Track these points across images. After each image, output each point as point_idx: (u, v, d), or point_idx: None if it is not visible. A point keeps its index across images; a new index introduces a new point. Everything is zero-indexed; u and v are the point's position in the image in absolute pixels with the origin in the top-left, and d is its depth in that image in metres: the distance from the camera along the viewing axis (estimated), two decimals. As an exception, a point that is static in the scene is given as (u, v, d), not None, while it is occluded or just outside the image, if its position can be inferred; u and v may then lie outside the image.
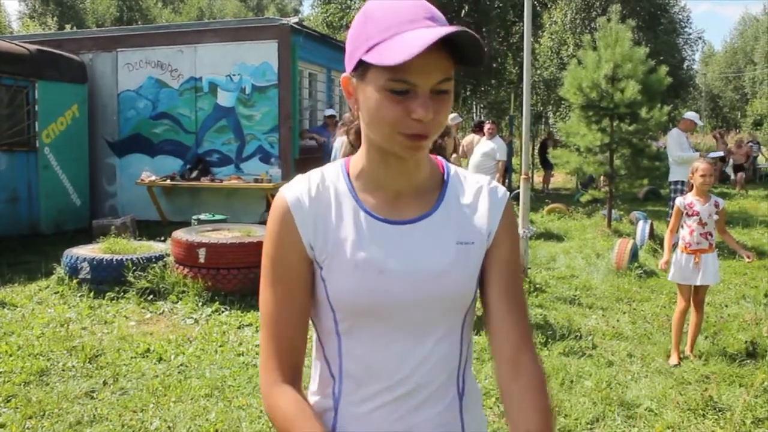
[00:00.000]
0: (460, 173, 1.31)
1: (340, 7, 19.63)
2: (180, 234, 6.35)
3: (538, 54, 22.49)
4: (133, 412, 3.75)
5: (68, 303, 6.02)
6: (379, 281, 1.17)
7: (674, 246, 4.73)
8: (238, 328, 5.37)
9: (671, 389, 4.10)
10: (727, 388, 4.10)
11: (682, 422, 3.64)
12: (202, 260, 6.04)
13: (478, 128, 10.90)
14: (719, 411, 3.77)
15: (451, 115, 11.30)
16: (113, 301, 6.02)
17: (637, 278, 6.94)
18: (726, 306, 6.05)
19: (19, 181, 9.41)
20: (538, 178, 17.92)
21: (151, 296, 6.06)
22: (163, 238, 7.46)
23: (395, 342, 1.19)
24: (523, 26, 7.65)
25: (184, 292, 6.01)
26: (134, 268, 6.20)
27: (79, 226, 10.10)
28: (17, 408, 3.79)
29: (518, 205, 6.54)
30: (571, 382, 4.22)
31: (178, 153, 10.59)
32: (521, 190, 6.65)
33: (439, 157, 1.34)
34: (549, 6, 23.26)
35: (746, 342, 4.79)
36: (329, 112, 10.68)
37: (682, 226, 4.70)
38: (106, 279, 6.21)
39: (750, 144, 19.36)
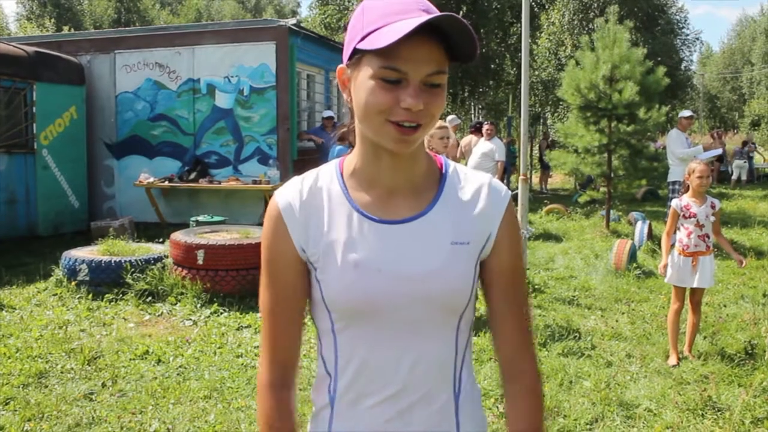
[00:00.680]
0: (459, 170, 1.29)
1: (338, 8, 19.65)
2: (178, 235, 6.35)
3: (536, 55, 22.52)
4: (132, 414, 3.75)
5: (67, 305, 6.01)
6: (371, 282, 1.18)
7: (671, 247, 4.72)
8: (237, 329, 5.36)
9: (670, 389, 4.10)
10: (726, 388, 4.10)
11: (681, 422, 3.64)
12: (200, 262, 6.04)
13: (476, 129, 10.90)
14: (718, 411, 3.77)
15: (450, 117, 11.32)
16: (112, 303, 6.01)
17: (636, 279, 6.94)
18: (725, 306, 6.06)
19: (17, 183, 9.40)
20: (536, 178, 17.95)
21: (150, 298, 6.06)
22: (161, 240, 7.45)
23: (389, 342, 1.20)
24: (520, 27, 7.65)
25: (182, 293, 6.01)
26: (133, 269, 6.19)
27: (77, 228, 10.10)
28: (16, 410, 3.78)
29: (517, 205, 6.54)
30: (570, 382, 4.22)
31: (177, 155, 10.59)
32: (520, 191, 6.65)
33: (439, 155, 1.33)
34: (547, 7, 23.31)
35: (745, 342, 4.80)
36: (327, 113, 10.67)
37: (679, 229, 4.68)
38: (105, 281, 6.21)
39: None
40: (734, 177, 18.80)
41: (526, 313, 1.30)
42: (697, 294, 4.71)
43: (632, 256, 7.38)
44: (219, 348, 4.90)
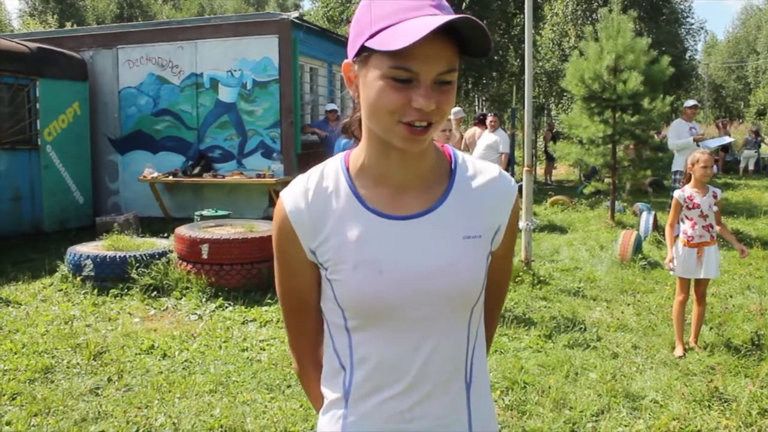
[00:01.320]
0: (468, 162, 1.28)
1: (340, 1, 19.56)
2: (183, 230, 6.35)
3: (539, 46, 22.43)
4: (138, 409, 3.76)
5: (72, 300, 6.03)
6: (383, 281, 1.17)
7: (675, 239, 4.68)
8: (242, 323, 5.37)
9: (676, 381, 4.09)
10: (733, 379, 4.09)
11: (688, 413, 3.63)
12: (205, 256, 6.05)
13: (480, 121, 10.87)
14: (725, 402, 3.76)
15: (455, 109, 11.27)
16: (117, 298, 6.03)
17: (641, 270, 6.92)
18: (731, 296, 6.03)
19: (22, 180, 9.41)
20: (540, 170, 17.90)
21: (155, 293, 6.07)
22: (166, 235, 7.47)
23: (404, 337, 1.20)
24: (524, 18, 7.61)
25: (187, 288, 6.01)
26: (137, 264, 6.20)
27: (82, 223, 10.11)
28: (22, 405, 3.80)
29: (521, 196, 6.53)
30: (576, 374, 4.21)
31: (180, 149, 10.58)
32: (524, 182, 6.64)
33: (447, 145, 1.31)
34: (550, -3, 23.18)
35: (751, 333, 4.78)
36: (331, 106, 10.64)
37: (683, 220, 4.64)
38: (110, 276, 6.22)
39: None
40: (742, 166, 18.70)
41: (502, 300, 1.44)
42: (701, 285, 4.68)
43: (637, 247, 7.35)
44: (224, 342, 4.91)
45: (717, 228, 4.64)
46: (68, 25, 32.35)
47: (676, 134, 8.94)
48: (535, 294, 6.05)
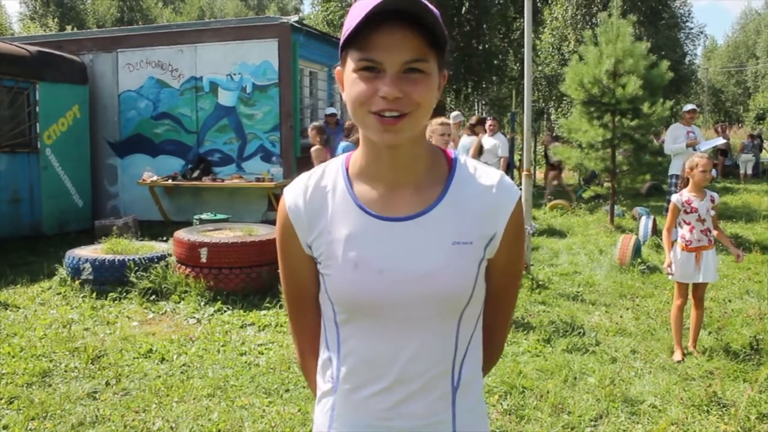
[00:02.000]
0: (470, 166, 1.27)
1: (340, 5, 19.60)
2: (182, 234, 6.35)
3: (539, 50, 22.48)
4: (136, 413, 3.75)
5: (71, 304, 6.02)
6: (371, 281, 1.19)
7: (673, 243, 4.68)
8: (241, 327, 5.36)
9: (675, 385, 4.08)
10: (731, 384, 4.08)
11: (686, 418, 3.62)
12: (204, 260, 6.04)
13: (472, 129, 10.40)
14: (723, 407, 3.75)
15: (453, 113, 11.25)
16: (115, 302, 6.02)
17: (640, 274, 6.91)
18: (730, 301, 6.03)
19: (21, 183, 9.41)
20: (540, 174, 17.90)
21: (154, 296, 6.06)
22: (165, 238, 7.45)
23: (389, 336, 1.22)
24: (523, 22, 7.62)
25: (186, 292, 6.01)
26: (136, 268, 6.20)
27: (81, 226, 10.11)
28: (20, 409, 3.79)
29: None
30: (575, 378, 4.21)
31: (180, 153, 10.59)
32: (523, 187, 6.63)
33: (449, 149, 1.31)
34: (549, 2, 23.25)
35: (750, 337, 4.77)
36: (330, 110, 10.65)
37: (680, 224, 4.63)
38: (109, 279, 6.22)
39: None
40: (742, 171, 18.70)
41: (510, 314, 1.40)
42: (699, 289, 4.68)
43: (636, 251, 7.35)
44: (222, 346, 4.90)
45: (714, 232, 4.63)
46: (68, 29, 32.40)
47: (673, 138, 8.96)
48: (534, 298, 6.05)
